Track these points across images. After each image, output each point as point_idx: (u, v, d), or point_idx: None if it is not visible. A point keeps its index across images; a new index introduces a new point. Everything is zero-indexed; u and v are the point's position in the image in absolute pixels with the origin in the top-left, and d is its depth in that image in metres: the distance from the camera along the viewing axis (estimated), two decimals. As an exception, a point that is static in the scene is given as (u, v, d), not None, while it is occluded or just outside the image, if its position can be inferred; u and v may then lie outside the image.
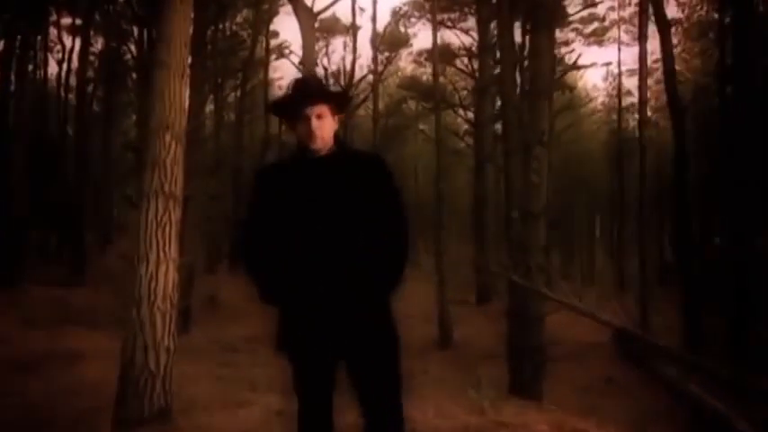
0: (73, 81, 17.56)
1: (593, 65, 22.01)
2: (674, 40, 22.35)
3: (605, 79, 28.84)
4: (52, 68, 19.72)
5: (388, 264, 1.86)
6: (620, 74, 23.52)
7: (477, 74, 18.37)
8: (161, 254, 3.93)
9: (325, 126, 1.88)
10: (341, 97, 2.10)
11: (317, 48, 21.88)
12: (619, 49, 21.27)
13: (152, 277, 3.89)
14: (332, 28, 23.56)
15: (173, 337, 3.96)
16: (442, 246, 11.24)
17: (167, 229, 3.99)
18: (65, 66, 17.75)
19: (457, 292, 13.91)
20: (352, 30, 20.89)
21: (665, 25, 9.45)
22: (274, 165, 2.06)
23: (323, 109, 1.88)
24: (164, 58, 4.12)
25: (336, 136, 1.96)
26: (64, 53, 18.16)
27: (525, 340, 5.20)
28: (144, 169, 4.08)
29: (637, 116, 26.97)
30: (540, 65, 5.41)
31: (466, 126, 24.43)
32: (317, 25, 16.43)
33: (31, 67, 18.00)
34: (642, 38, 12.34)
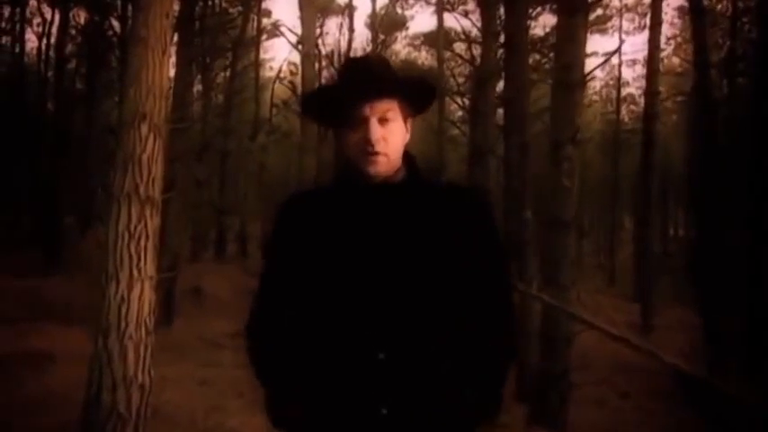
0: (54, 56, 16.52)
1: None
2: (677, 30, 21.97)
3: (602, 69, 28.24)
4: (34, 42, 18.65)
5: (486, 374, 1.16)
6: (620, 64, 22.94)
7: (477, 60, 17.63)
8: (134, 271, 3.26)
9: (392, 135, 1.17)
10: (421, 89, 1.24)
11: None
12: (620, 39, 20.65)
13: (123, 300, 3.23)
14: (327, 8, 22.59)
15: (148, 372, 3.31)
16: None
17: (142, 241, 3.31)
18: (44, 40, 16.68)
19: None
20: (349, 10, 19.99)
21: (699, 13, 8.82)
22: (308, 195, 1.28)
23: (390, 107, 1.16)
24: (140, 32, 3.40)
25: (409, 155, 1.24)
26: (44, 26, 17.08)
27: (550, 365, 4.64)
28: (115, 167, 3.38)
29: (633, 108, 26.67)
30: (574, 52, 4.76)
31: (460, 113, 23.73)
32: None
33: (8, 40, 17.00)
34: (656, 26, 11.71)
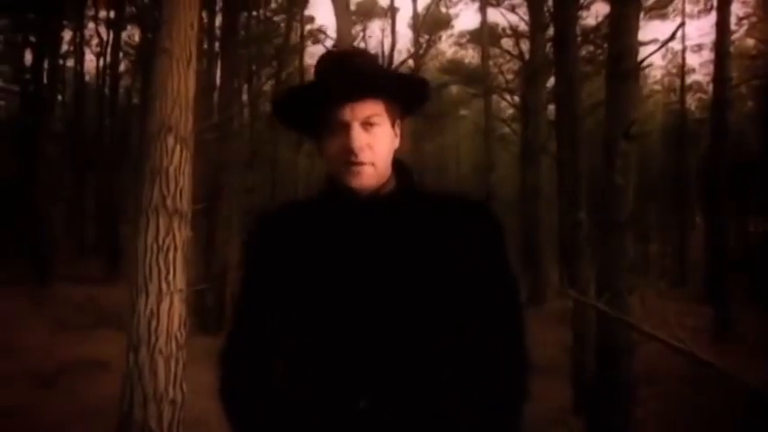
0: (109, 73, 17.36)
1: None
2: (749, 9, 20.37)
3: (664, 56, 26.62)
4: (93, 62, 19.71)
5: (493, 414, 0.96)
6: (683, 50, 21.51)
7: (526, 55, 17.08)
8: (163, 285, 3.22)
9: (378, 142, 0.99)
10: (412, 87, 1.06)
11: (354, 32, 21.03)
12: (683, 21, 19.28)
13: (152, 314, 3.19)
14: (369, 11, 22.61)
15: (180, 387, 3.25)
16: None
17: (171, 253, 3.26)
18: (102, 59, 17.63)
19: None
20: (391, 12, 19.87)
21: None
22: (287, 210, 1.10)
23: (375, 110, 0.98)
24: (165, 44, 3.38)
25: (400, 162, 1.06)
26: (102, 46, 18.04)
27: (609, 377, 4.26)
28: (142, 180, 3.36)
29: (701, 96, 24.98)
30: (627, 41, 4.38)
31: (511, 111, 23.10)
32: (352, 9, 15.55)
33: (71, 62, 18.08)
34: (724, 5, 10.84)
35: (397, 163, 1.05)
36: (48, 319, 8.79)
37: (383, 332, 0.94)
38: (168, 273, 3.24)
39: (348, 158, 0.96)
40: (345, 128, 0.96)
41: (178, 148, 3.31)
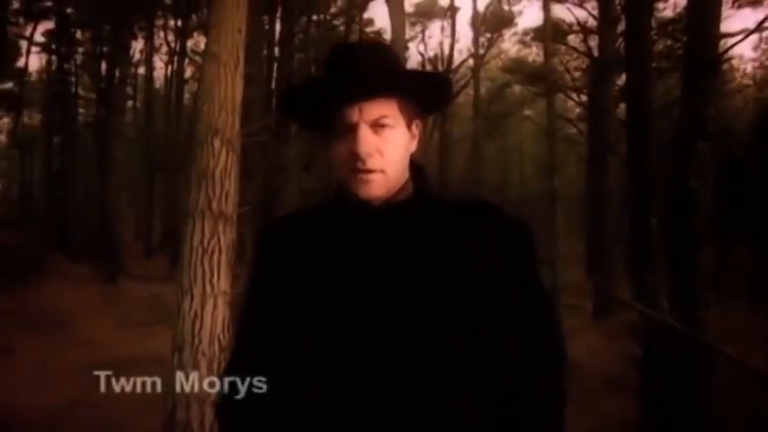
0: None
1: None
2: None
3: (756, 48, 24.30)
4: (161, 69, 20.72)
5: None
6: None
7: (595, 52, 16.29)
8: (207, 287, 3.22)
9: (390, 147, 0.87)
10: (427, 84, 0.92)
11: (413, 33, 20.94)
12: (774, 10, 17.51)
13: (196, 316, 3.20)
14: (429, 11, 22.42)
15: (221, 390, 3.23)
16: (556, 253, 9.64)
17: (216, 256, 3.26)
18: (170, 66, 18.52)
19: (567, 296, 12.12)
20: (451, 11, 19.58)
21: None
22: (292, 221, 0.99)
23: (387, 110, 0.86)
24: (212, 49, 3.39)
25: (418, 166, 0.94)
26: (171, 55, 18.94)
27: (684, 396, 3.87)
28: (189, 183, 3.38)
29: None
30: (707, 31, 3.97)
31: (578, 110, 22.16)
32: (411, 10, 15.41)
33: (143, 70, 19.13)
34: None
35: (415, 168, 0.93)
36: (113, 316, 9.26)
37: (389, 360, 0.82)
38: (212, 275, 3.24)
39: (355, 165, 0.85)
40: (352, 130, 0.85)
41: (224, 151, 3.31)
